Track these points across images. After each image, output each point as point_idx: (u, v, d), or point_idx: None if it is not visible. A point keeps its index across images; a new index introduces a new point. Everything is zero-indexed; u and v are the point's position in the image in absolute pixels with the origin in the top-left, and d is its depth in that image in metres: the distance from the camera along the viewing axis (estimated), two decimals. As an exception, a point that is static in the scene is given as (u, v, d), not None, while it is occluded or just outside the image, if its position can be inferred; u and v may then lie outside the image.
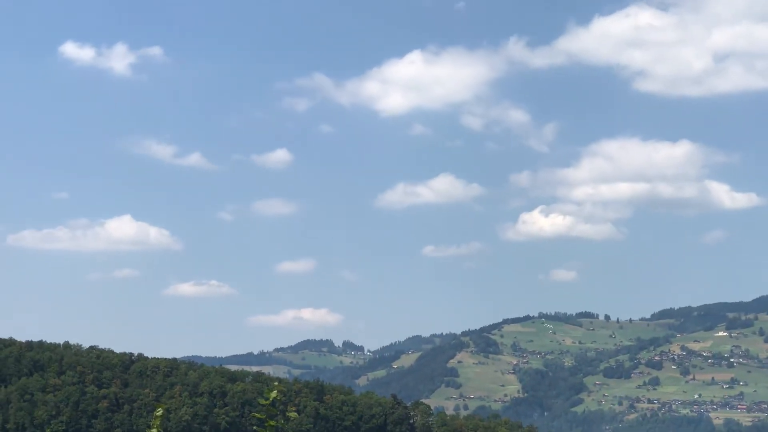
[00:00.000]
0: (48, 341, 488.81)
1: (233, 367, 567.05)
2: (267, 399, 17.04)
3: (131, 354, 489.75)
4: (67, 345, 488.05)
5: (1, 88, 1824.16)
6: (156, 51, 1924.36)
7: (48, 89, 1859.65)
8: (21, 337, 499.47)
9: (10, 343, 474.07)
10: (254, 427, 17.89)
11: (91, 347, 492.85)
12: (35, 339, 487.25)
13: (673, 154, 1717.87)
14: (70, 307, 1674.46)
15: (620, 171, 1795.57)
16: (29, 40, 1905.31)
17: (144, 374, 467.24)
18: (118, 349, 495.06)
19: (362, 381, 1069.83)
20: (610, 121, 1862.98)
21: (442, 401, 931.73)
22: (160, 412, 16.97)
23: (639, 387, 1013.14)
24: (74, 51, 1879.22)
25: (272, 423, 16.88)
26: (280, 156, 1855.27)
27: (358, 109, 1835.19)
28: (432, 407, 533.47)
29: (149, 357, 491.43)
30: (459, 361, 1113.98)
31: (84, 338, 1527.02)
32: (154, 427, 16.83)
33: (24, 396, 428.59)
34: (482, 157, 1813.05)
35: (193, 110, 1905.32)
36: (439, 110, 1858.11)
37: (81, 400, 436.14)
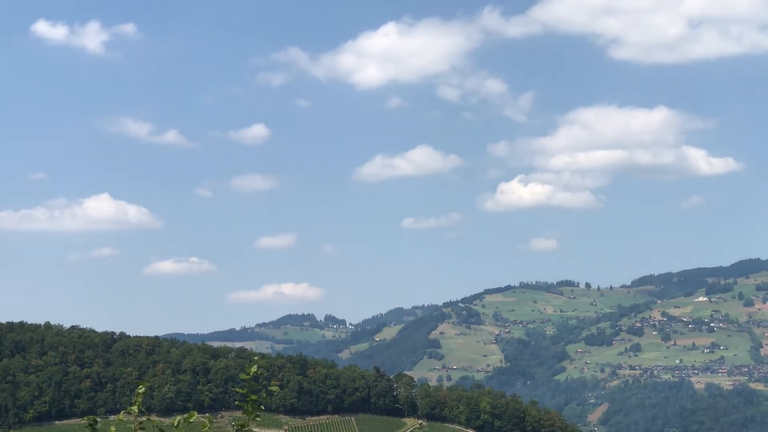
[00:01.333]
0: (29, 322, 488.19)
1: (216, 344, 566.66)
2: (248, 374, 16.67)
3: (113, 333, 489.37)
4: (48, 325, 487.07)
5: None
6: (129, 28, 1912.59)
7: (21, 69, 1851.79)
8: (1, 318, 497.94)
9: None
10: (236, 402, 17.59)
11: (73, 327, 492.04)
12: (16, 320, 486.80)
13: (650, 121, 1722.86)
14: (50, 287, 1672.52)
15: (597, 139, 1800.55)
16: (0, 18, 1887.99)
17: (126, 353, 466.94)
18: (99, 329, 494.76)
19: (345, 354, 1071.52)
20: (587, 89, 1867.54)
21: (425, 373, 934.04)
22: (142, 389, 16.65)
23: (621, 354, 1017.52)
24: (46, 29, 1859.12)
25: (254, 398, 16.54)
26: (258, 131, 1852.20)
27: (334, 83, 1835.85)
28: (415, 379, 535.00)
29: (131, 335, 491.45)
30: (441, 333, 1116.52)
31: (65, 318, 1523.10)
32: (135, 405, 16.47)
33: (6, 377, 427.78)
34: (459, 127, 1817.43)
35: (168, 87, 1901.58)
36: (416, 82, 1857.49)
37: (63, 380, 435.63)
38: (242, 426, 17.01)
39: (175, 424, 16.74)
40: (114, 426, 17.47)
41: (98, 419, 17.75)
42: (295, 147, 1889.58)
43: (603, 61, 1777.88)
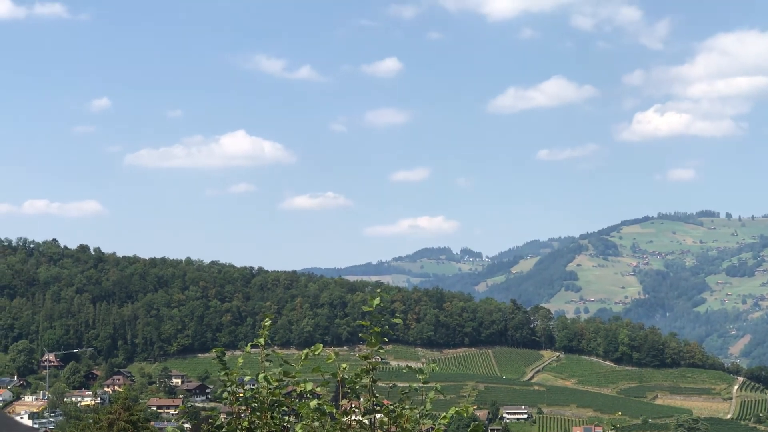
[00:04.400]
0: (170, 257, 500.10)
1: (352, 278, 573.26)
2: (371, 306, 16.40)
3: (251, 268, 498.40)
4: (189, 261, 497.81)
5: (107, 11, 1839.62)
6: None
7: (155, 9, 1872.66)
8: (144, 254, 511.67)
9: (135, 260, 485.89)
10: (360, 335, 17.33)
11: (213, 262, 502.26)
12: (158, 256, 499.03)
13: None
14: (189, 223, 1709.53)
15: (738, 65, 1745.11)
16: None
17: (265, 287, 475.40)
18: (238, 264, 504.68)
19: (481, 287, 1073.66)
20: (726, 14, 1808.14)
21: (562, 305, 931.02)
22: (268, 322, 16.57)
23: (763, 285, 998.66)
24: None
25: (377, 329, 16.25)
26: (390, 65, 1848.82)
27: (466, 15, 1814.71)
28: (552, 311, 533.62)
29: (269, 270, 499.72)
30: (578, 265, 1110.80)
31: (204, 254, 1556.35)
32: (262, 337, 16.38)
33: (150, 311, 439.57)
34: (593, 57, 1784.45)
35: (300, 23, 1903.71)
36: (548, 12, 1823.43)
37: (205, 315, 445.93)
38: (366, 358, 16.74)
39: (303, 357, 16.56)
40: (242, 358, 17.36)
41: (226, 351, 17.77)
42: (428, 80, 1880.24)
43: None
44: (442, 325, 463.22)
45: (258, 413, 16.86)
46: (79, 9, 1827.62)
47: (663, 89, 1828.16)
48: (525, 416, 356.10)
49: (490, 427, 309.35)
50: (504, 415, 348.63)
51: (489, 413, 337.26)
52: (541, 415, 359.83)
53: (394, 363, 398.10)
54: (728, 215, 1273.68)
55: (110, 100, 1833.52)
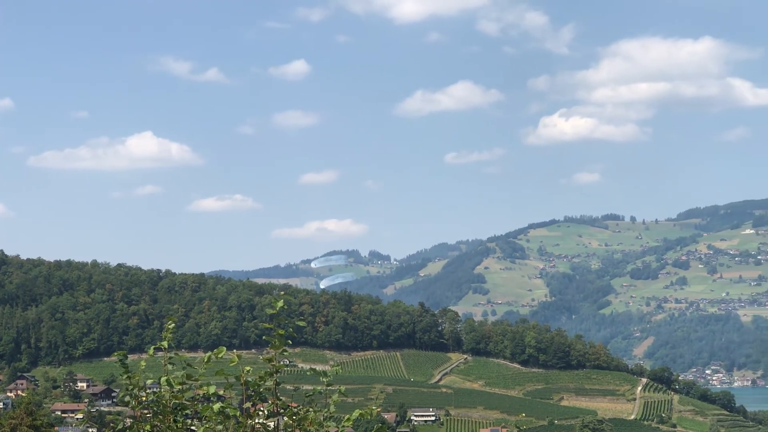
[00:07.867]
0: (76, 260, 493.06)
1: (260, 281, 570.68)
2: (274, 308, 16.41)
3: (159, 270, 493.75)
4: (95, 263, 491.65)
5: (10, 10, 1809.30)
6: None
7: (62, 7, 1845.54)
8: (49, 256, 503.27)
9: (39, 263, 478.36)
10: (264, 337, 17.30)
11: (119, 265, 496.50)
12: (63, 258, 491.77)
13: (694, 51, 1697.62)
14: (95, 225, 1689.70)
15: (641, 71, 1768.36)
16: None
17: (172, 290, 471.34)
18: (145, 266, 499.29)
19: (389, 290, 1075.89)
20: (630, 20, 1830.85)
21: (470, 307, 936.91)
22: (171, 325, 16.54)
23: (666, 287, 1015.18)
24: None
25: (281, 332, 16.24)
26: (298, 67, 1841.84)
27: (373, 18, 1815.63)
28: (460, 314, 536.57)
29: (177, 273, 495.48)
30: (486, 267, 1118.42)
31: (111, 256, 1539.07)
32: (166, 340, 16.32)
33: (55, 315, 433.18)
34: (500, 62, 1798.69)
35: (207, 25, 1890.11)
36: (454, 16, 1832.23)
37: (111, 318, 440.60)
38: (269, 360, 16.71)
39: (205, 360, 16.48)
40: (144, 361, 17.20)
41: (133, 354, 17.55)
42: (336, 83, 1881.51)
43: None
44: (350, 327, 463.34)
45: (160, 417, 16.76)
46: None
47: (568, 94, 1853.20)
48: (433, 418, 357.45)
49: (398, 430, 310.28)
50: (412, 418, 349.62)
51: (397, 415, 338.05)
52: (448, 417, 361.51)
53: (302, 366, 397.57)
54: (633, 219, 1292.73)
55: (13, 100, 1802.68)
